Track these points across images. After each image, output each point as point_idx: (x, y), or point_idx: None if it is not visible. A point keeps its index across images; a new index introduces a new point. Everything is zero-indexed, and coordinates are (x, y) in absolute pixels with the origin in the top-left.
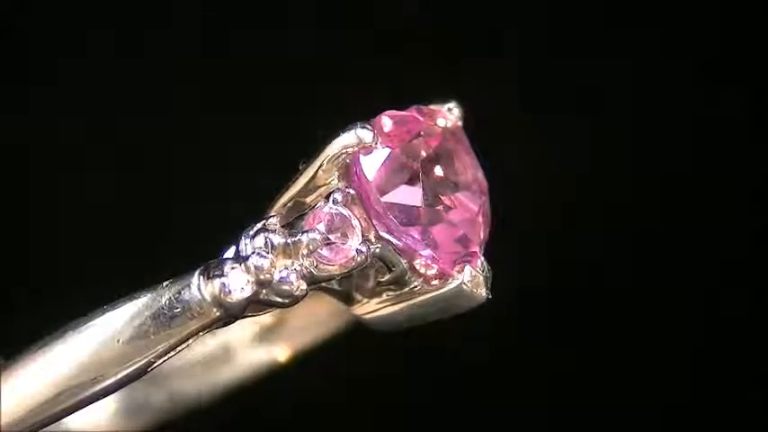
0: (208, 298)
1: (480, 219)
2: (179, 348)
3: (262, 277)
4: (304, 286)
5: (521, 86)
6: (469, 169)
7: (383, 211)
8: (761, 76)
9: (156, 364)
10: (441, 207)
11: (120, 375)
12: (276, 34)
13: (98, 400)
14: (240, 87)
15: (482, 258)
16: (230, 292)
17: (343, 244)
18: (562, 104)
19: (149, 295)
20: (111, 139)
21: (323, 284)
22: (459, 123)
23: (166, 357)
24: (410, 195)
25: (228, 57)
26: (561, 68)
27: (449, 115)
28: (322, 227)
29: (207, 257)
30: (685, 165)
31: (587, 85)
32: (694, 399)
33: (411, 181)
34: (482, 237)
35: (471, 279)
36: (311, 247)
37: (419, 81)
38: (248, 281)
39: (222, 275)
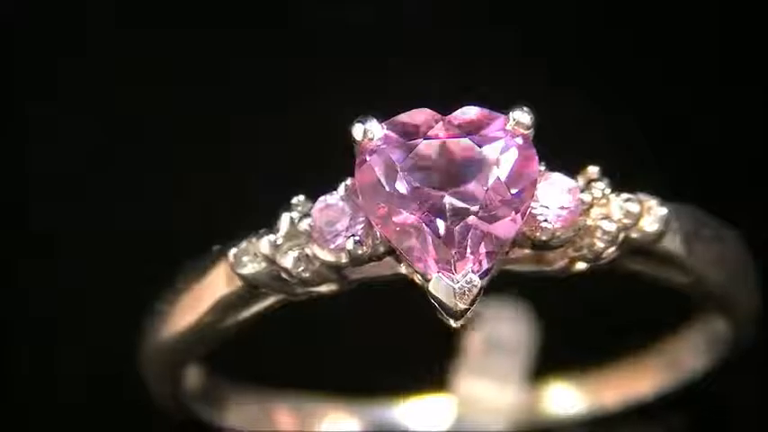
0: (228, 267)
1: (464, 232)
2: (237, 315)
3: (272, 256)
4: (304, 269)
5: (521, 87)
6: (493, 185)
7: (362, 205)
8: None
9: (217, 327)
10: (417, 213)
11: (183, 333)
12: (276, 34)
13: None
14: (241, 88)
15: (468, 271)
16: (238, 264)
17: (336, 234)
18: (564, 104)
19: (201, 258)
20: (111, 139)
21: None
22: (520, 133)
23: (221, 324)
24: (381, 194)
25: (229, 57)
26: (561, 68)
27: (510, 124)
28: (317, 215)
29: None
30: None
31: (586, 84)
32: None
33: (389, 181)
34: (473, 250)
35: (439, 288)
36: (306, 233)
37: (420, 81)
38: (256, 256)
39: (235, 247)
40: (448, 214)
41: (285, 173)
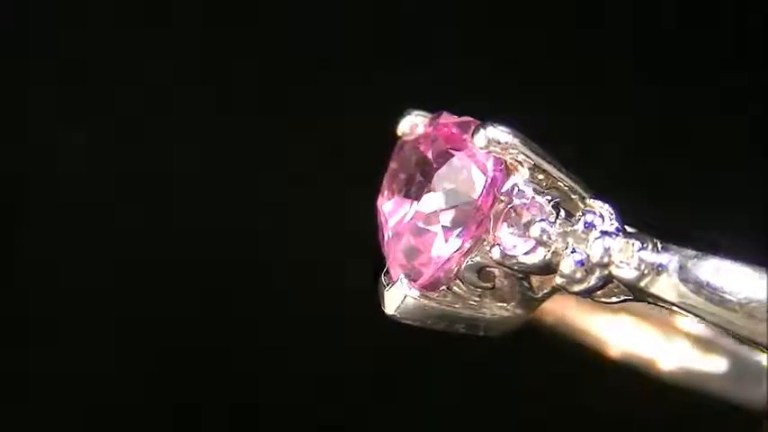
0: None
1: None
2: None
3: None
4: None
5: (520, 88)
6: (441, 199)
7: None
8: None
9: None
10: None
11: None
12: (276, 34)
13: None
14: (242, 88)
15: (399, 277)
16: None
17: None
18: (563, 105)
19: None
20: (112, 139)
21: None
22: (491, 150)
23: None
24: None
25: (230, 58)
26: (562, 68)
27: (480, 139)
28: None
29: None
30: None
31: (586, 84)
32: None
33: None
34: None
35: (379, 291)
36: None
37: (419, 83)
38: None
39: None
40: (394, 221)
41: None
